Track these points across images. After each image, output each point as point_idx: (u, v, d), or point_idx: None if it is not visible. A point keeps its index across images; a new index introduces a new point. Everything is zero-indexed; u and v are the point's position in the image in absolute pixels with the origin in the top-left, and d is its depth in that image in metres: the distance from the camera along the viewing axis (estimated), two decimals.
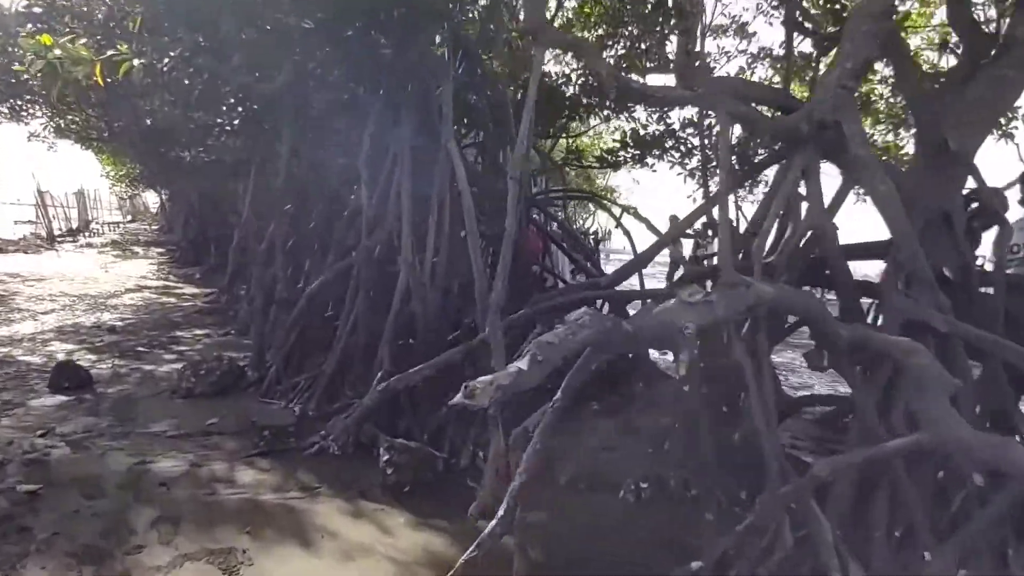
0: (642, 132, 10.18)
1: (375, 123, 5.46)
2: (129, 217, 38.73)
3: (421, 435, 4.80)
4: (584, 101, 9.89)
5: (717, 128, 10.68)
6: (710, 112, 10.55)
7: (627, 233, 8.20)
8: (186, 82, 5.73)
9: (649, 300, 6.10)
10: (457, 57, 6.44)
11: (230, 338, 8.53)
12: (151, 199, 36.73)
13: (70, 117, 12.98)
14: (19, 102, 10.53)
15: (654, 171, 11.37)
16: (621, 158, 10.84)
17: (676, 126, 10.10)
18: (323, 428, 4.93)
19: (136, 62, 5.50)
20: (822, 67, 9.77)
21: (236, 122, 9.99)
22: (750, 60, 10.47)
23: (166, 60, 5.56)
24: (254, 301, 8.51)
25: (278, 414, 5.08)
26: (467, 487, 4.29)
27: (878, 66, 7.73)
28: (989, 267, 4.24)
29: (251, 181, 8.11)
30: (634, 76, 9.12)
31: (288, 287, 6.50)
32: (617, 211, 8.83)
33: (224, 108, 9.34)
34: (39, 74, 6.41)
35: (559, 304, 4.86)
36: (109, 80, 7.15)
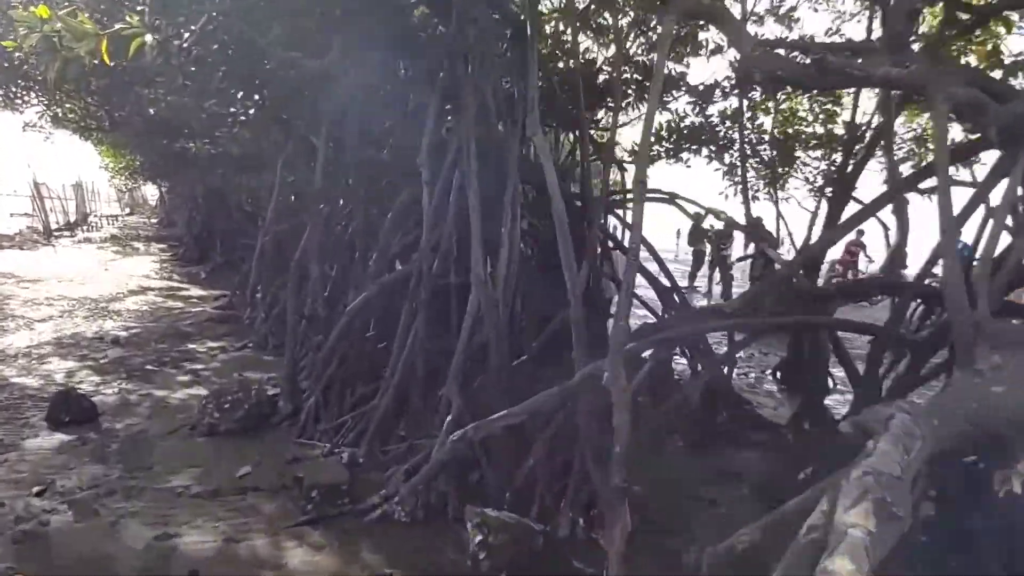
0: (677, 124, 9.27)
1: (435, 110, 4.57)
2: (128, 210, 37.80)
3: (501, 493, 3.93)
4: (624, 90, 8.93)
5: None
6: (755, 104, 9.76)
7: (711, 239, 7.28)
8: (209, 60, 4.83)
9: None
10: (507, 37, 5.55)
11: (248, 353, 7.65)
12: (150, 191, 35.79)
13: (68, 105, 12.03)
14: (13, 88, 9.57)
15: (688, 167, 10.54)
16: (655, 152, 9.96)
17: (716, 119, 9.30)
18: (381, 482, 4.07)
19: (149, 38, 4.60)
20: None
21: (251, 112, 9.10)
22: (788, 50, 9.64)
23: (186, 35, 4.65)
24: (284, 317, 7.64)
25: (324, 466, 4.20)
26: (572, 568, 3.43)
27: None
28: None
29: (277, 177, 7.18)
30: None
31: (324, 302, 5.60)
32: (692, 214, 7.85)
33: (239, 96, 8.44)
34: (34, 53, 5.49)
35: (672, 337, 3.98)
36: (116, 61, 6.22)
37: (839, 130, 10.67)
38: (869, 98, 11.08)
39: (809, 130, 10.02)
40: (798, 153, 10.15)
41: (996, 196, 2.97)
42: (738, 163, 9.37)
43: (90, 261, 16.43)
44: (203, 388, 6.10)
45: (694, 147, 9.57)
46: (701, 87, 8.73)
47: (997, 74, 4.13)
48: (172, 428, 5.00)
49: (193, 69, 5.28)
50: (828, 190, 12.30)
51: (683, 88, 8.73)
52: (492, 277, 4.48)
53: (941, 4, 4.81)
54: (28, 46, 4.46)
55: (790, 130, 9.68)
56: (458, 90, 4.76)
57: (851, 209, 10.81)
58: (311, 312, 5.82)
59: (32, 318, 9.15)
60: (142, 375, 6.53)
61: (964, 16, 4.72)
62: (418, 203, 5.70)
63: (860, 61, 2.96)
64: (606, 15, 8.21)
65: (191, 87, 7.99)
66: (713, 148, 9.68)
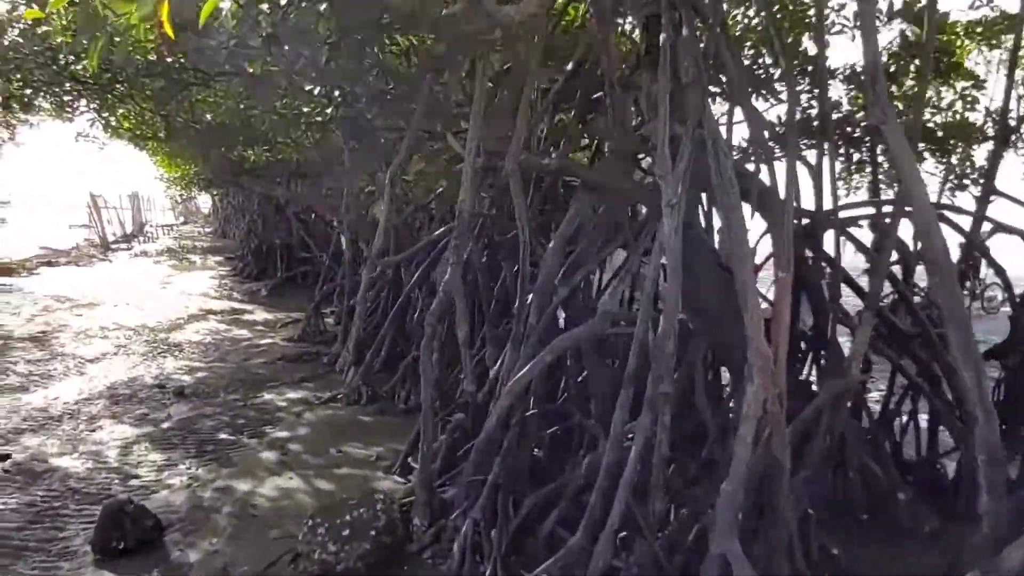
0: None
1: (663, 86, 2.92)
2: (182, 219, 37.60)
3: None
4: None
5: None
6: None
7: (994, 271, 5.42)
8: (312, 31, 3.32)
9: None
10: None
11: (340, 411, 6.12)
12: (204, 200, 35.41)
13: (121, 112, 10.85)
14: (59, 91, 8.34)
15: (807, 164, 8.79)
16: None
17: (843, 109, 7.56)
18: None
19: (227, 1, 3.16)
20: None
21: (328, 111, 7.66)
22: (884, 21, 7.89)
23: None
24: (379, 363, 6.16)
25: None
26: None
27: None
28: None
29: (387, 192, 5.61)
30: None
31: (474, 374, 3.99)
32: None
33: (317, 93, 7.00)
34: (66, 29, 4.07)
35: None
36: (177, 44, 4.80)
37: (972, 117, 8.79)
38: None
39: (940, 119, 8.32)
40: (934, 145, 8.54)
41: None
42: (866, 158, 7.80)
43: (147, 277, 15.47)
44: (296, 476, 4.60)
45: (813, 141, 7.90)
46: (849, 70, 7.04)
47: None
48: (267, 561, 3.47)
49: (286, 46, 3.78)
50: (975, 187, 10.27)
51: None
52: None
53: None
54: (55, 7, 3.00)
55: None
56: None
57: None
58: (444, 390, 4.23)
59: (83, 357, 7.90)
60: (215, 450, 5.08)
61: None
62: (588, 224, 4.10)
63: None
64: None
65: (262, 87, 6.56)
66: (840, 142, 8.05)
